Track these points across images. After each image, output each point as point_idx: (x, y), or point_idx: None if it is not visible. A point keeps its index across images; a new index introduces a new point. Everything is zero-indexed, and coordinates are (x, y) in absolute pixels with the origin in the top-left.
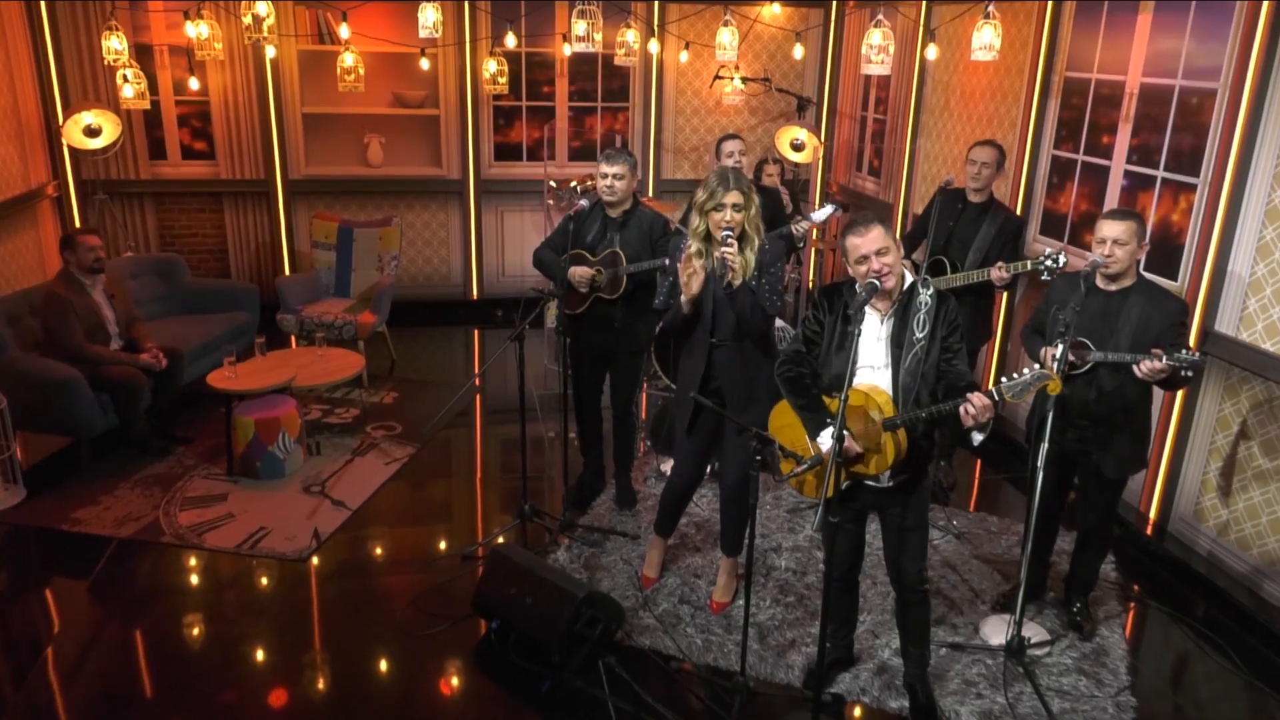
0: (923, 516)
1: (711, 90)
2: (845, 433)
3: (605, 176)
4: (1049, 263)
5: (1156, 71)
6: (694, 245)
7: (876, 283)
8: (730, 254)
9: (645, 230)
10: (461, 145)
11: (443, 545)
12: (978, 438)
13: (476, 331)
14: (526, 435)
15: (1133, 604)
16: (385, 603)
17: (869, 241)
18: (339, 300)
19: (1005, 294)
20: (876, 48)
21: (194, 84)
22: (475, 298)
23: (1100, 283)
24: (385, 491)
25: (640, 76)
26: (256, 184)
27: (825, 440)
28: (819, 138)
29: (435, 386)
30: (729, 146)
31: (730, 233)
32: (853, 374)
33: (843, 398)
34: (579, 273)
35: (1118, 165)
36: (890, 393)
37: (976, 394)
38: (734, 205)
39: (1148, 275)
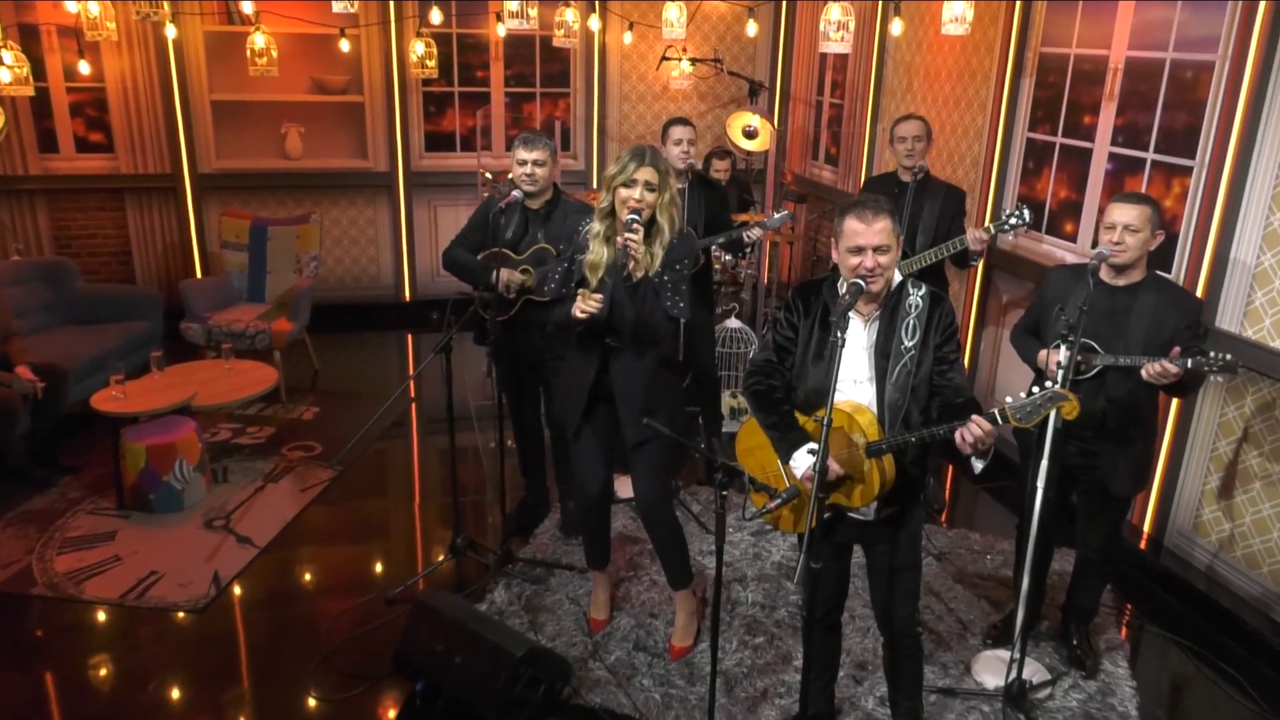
0: (915, 555)
1: (658, 74)
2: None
3: (524, 163)
4: (1014, 220)
5: (1144, 44)
6: (596, 225)
7: (862, 284)
8: (633, 241)
9: (573, 223)
10: (389, 134)
11: (365, 587)
12: (978, 465)
13: (410, 336)
14: (457, 461)
15: (1134, 630)
16: (293, 660)
17: (872, 233)
18: (252, 306)
19: (977, 280)
20: (836, 24)
21: (85, 68)
22: (408, 299)
23: (1106, 276)
24: (300, 523)
25: (581, 59)
26: (161, 179)
27: (800, 464)
28: (773, 123)
29: (362, 399)
30: (677, 133)
31: (636, 217)
32: (833, 388)
33: (826, 419)
34: (507, 276)
35: (1101, 147)
36: (875, 412)
37: (977, 418)
38: (646, 184)
39: None
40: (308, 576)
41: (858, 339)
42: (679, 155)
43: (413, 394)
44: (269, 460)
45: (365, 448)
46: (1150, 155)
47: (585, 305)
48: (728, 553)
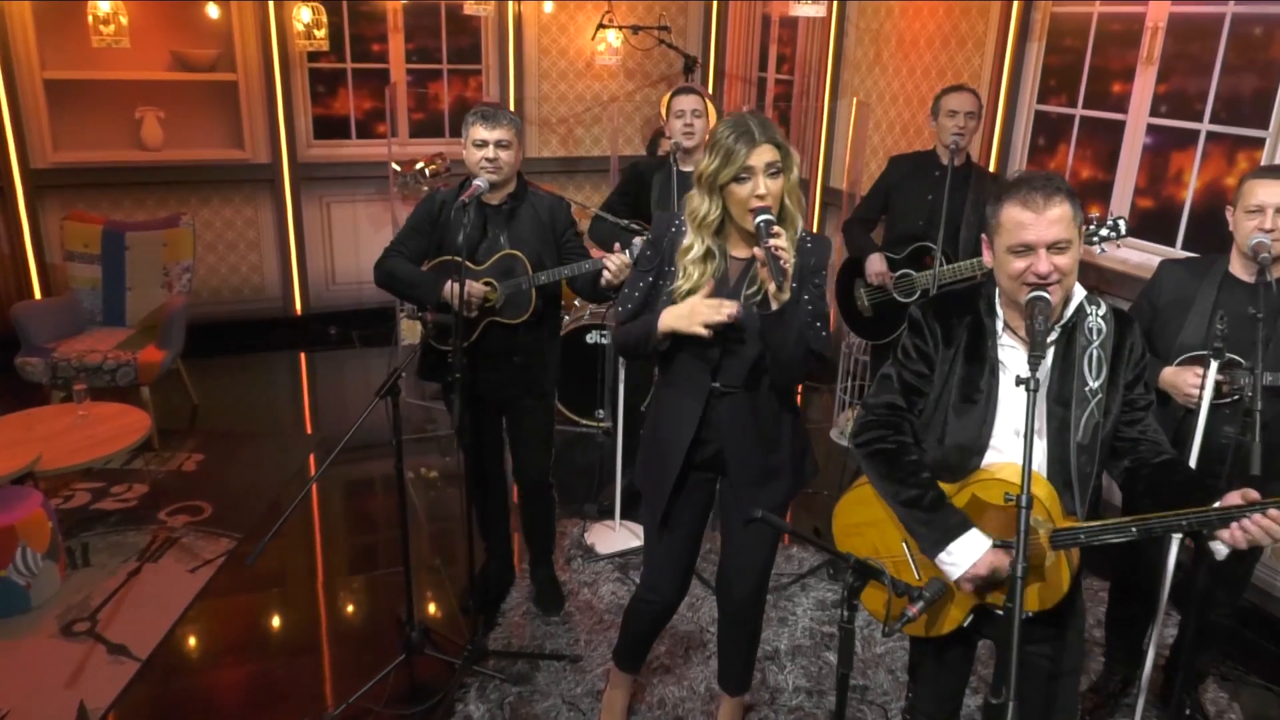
0: (1079, 656)
1: (581, 49)
2: (991, 542)
3: (483, 144)
4: (1104, 231)
5: None
6: (697, 245)
7: (1047, 296)
8: (784, 250)
9: (545, 221)
10: (269, 120)
11: (292, 707)
12: (1222, 552)
13: (304, 356)
14: (376, 499)
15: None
16: None
17: (1044, 223)
18: (109, 331)
19: None
20: None
21: None
22: (299, 313)
23: (1241, 271)
24: (193, 619)
25: (494, 31)
26: None
27: (961, 560)
28: (714, 103)
29: (254, 439)
30: (682, 103)
31: (771, 216)
32: (1029, 452)
33: (1023, 499)
34: (470, 290)
35: (1137, 118)
36: (1050, 479)
37: (1259, 515)
38: (769, 168)
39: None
40: (209, 697)
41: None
42: (682, 130)
43: (310, 429)
44: (143, 530)
45: (269, 503)
46: (1205, 126)
47: (717, 314)
48: None
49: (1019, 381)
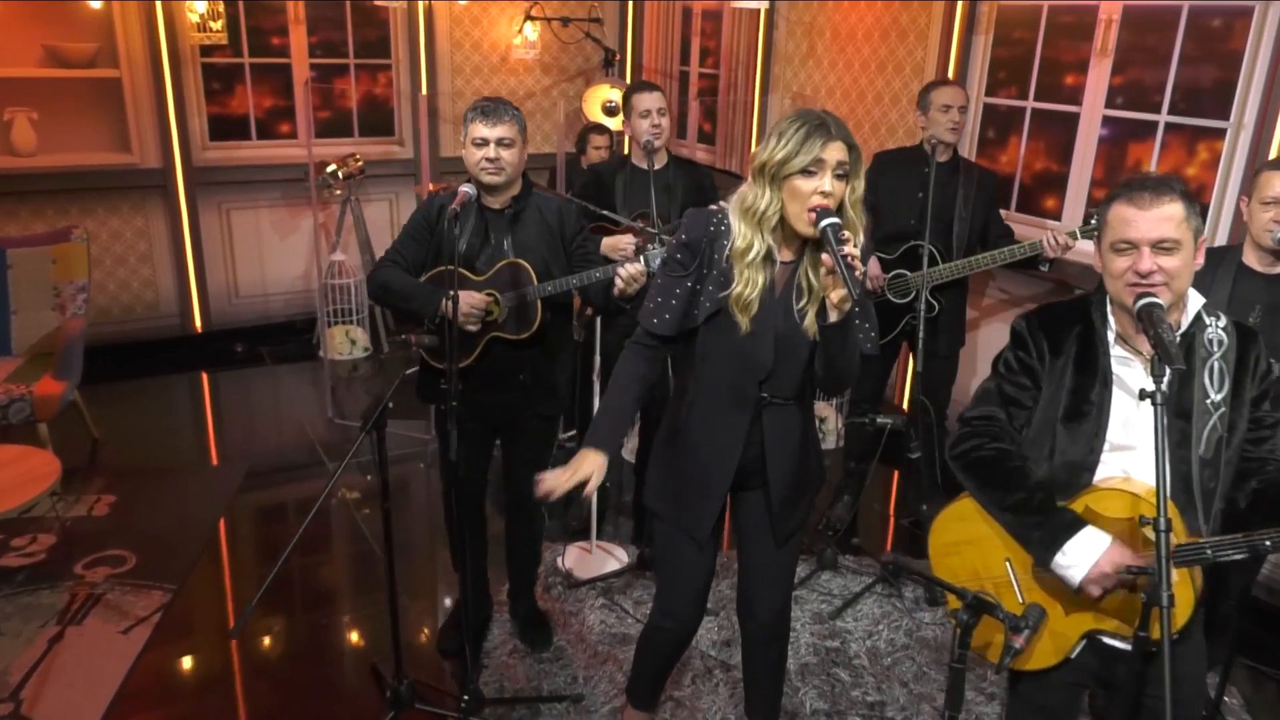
0: (1200, 689)
1: (496, 43)
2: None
3: (484, 143)
4: (1094, 221)
5: None
6: (756, 243)
7: (1158, 300)
8: (857, 258)
9: (552, 226)
10: (159, 120)
11: None
12: None
13: (206, 376)
14: (370, 564)
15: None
16: None
17: (1150, 221)
18: None
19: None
20: None
21: None
22: (200, 330)
23: (1256, 263)
24: (135, 689)
25: (404, 23)
26: None
27: (1080, 559)
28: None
29: (172, 474)
30: (645, 101)
31: (837, 219)
32: (1162, 471)
33: (1160, 522)
34: (470, 301)
35: (1092, 110)
36: (1171, 496)
37: None
38: (838, 167)
39: None
40: None
41: (1135, 388)
42: (648, 130)
43: (226, 457)
44: (59, 588)
45: (202, 546)
46: (1163, 117)
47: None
48: None
49: (1143, 395)
